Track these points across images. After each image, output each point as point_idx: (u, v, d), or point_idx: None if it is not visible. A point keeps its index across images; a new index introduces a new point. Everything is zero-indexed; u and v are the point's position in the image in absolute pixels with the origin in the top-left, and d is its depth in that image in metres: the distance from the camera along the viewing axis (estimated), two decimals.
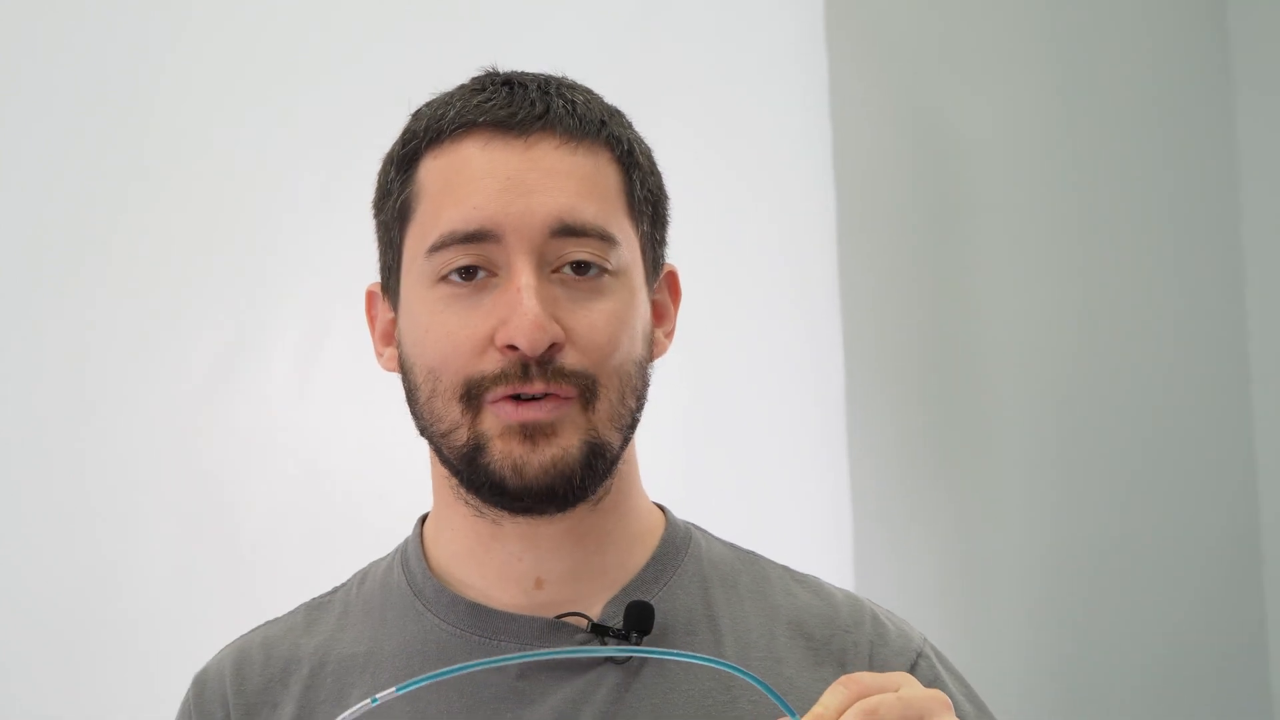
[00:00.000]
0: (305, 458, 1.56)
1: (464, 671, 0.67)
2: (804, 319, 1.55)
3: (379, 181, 0.77)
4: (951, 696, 0.74)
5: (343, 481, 1.56)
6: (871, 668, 0.77)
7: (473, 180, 0.70)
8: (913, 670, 0.77)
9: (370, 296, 0.78)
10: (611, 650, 0.70)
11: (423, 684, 0.62)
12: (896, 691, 0.61)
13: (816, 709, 0.61)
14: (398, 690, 0.63)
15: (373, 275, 0.78)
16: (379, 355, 0.78)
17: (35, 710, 1.47)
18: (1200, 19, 2.09)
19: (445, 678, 0.66)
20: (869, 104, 1.63)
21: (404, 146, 0.74)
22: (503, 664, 0.71)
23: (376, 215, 0.77)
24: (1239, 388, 2.03)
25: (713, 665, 0.73)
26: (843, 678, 0.63)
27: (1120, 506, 1.85)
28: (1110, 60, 1.92)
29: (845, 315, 1.54)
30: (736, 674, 0.70)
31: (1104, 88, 1.91)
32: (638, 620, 0.72)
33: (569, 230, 0.69)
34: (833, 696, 0.61)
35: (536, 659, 0.70)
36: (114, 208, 1.59)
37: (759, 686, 0.64)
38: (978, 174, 1.77)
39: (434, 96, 0.75)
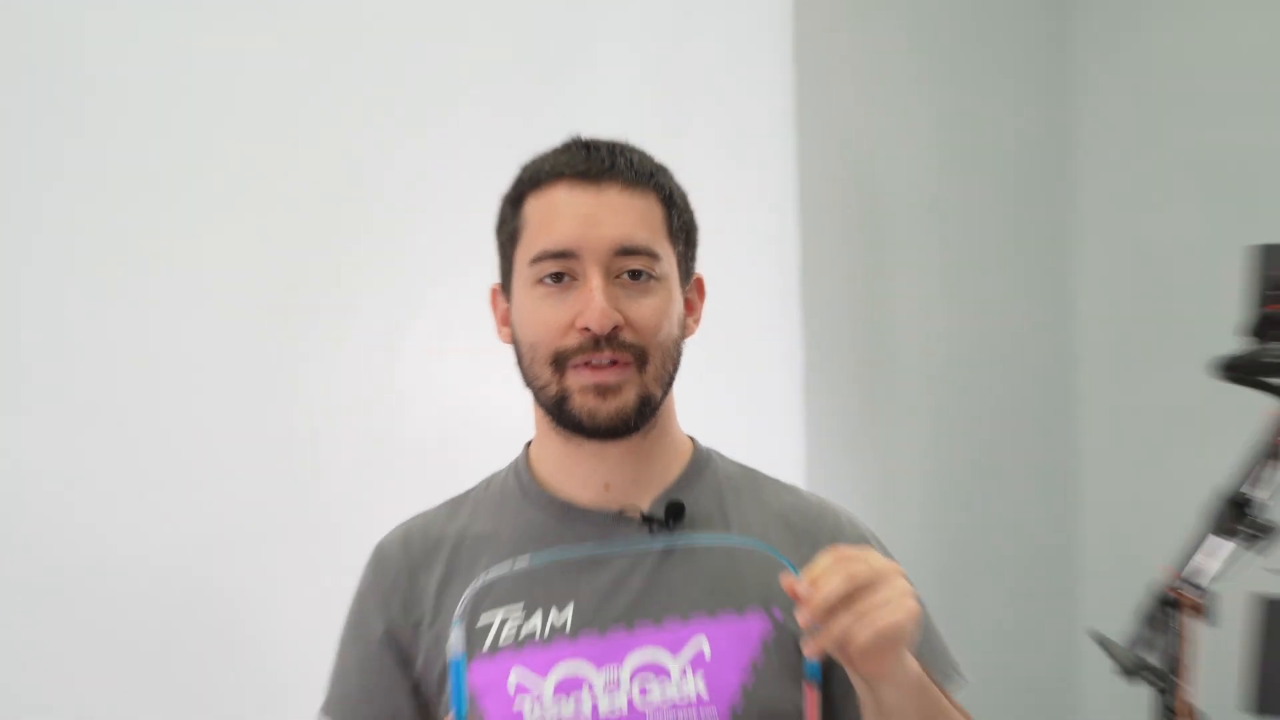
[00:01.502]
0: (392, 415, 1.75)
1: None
2: (777, 318, 2.15)
3: (499, 214, 1.05)
4: None
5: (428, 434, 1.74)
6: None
7: (561, 215, 0.98)
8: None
9: (493, 292, 1.07)
10: (676, 539, 0.99)
11: (548, 561, 0.95)
12: (864, 559, 0.84)
13: (811, 568, 0.84)
14: (532, 561, 0.93)
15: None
16: (499, 332, 1.06)
17: (136, 664, 1.58)
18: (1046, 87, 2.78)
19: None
20: (826, 159, 2.25)
21: (514, 190, 1.03)
22: (599, 553, 0.99)
23: (497, 237, 1.05)
24: (1067, 367, 2.77)
25: (739, 544, 1.01)
26: (829, 547, 0.86)
27: (982, 441, 2.56)
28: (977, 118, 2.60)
29: (805, 309, 2.17)
30: (752, 546, 1.00)
31: (976, 139, 2.60)
32: (674, 513, 1.00)
33: (627, 250, 0.97)
34: (822, 559, 0.84)
35: (627, 550, 1.00)
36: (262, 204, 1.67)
37: (770, 552, 0.91)
38: (895, 194, 2.43)
39: (536, 156, 1.02)
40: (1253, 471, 1.50)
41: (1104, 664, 1.61)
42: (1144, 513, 2.56)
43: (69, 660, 1.54)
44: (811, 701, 0.89)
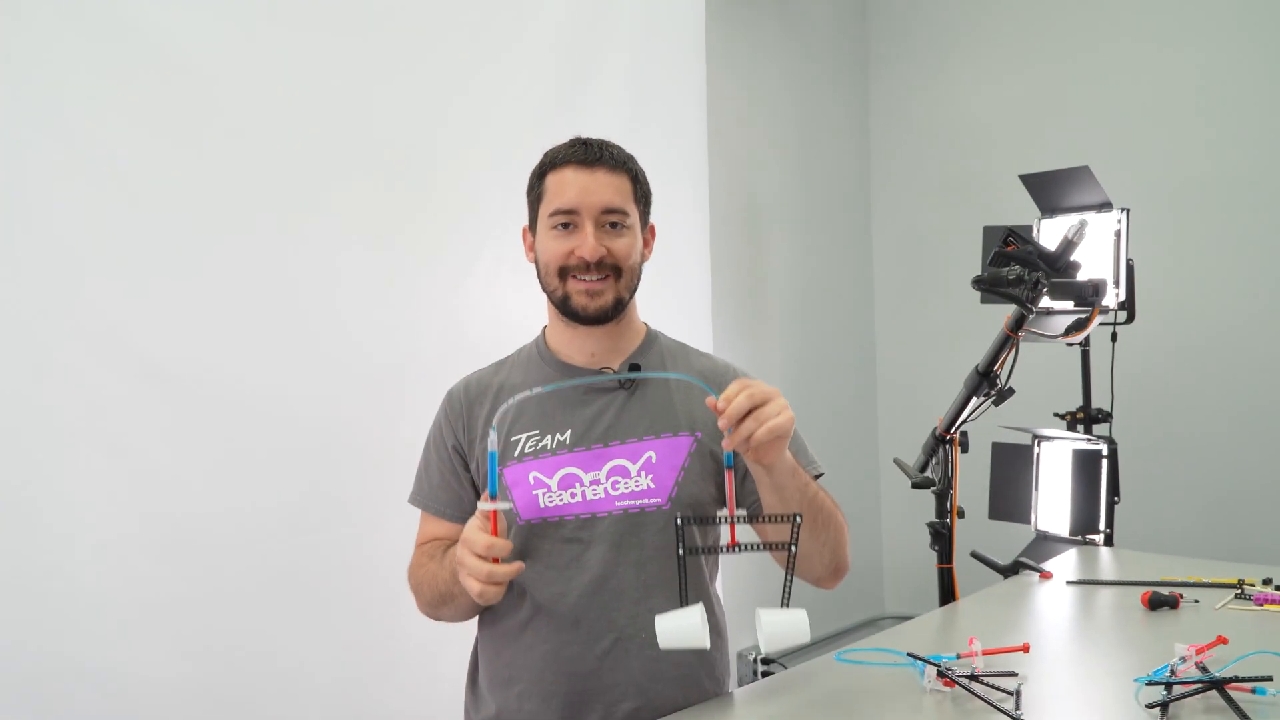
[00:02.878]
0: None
1: (567, 386, 1.51)
2: (695, 265, 3.32)
3: (529, 182, 1.56)
4: None
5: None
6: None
7: (569, 187, 1.49)
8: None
9: (524, 231, 1.60)
10: (622, 376, 1.50)
11: (551, 389, 1.43)
12: (760, 385, 1.25)
13: (725, 392, 1.24)
14: (545, 389, 1.41)
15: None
16: (526, 255, 1.58)
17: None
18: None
19: (560, 388, 1.50)
20: (727, 174, 3.74)
21: (540, 169, 1.54)
22: (582, 383, 1.51)
23: (528, 196, 1.57)
24: (867, 300, 4.56)
25: (674, 377, 1.50)
26: (738, 380, 1.27)
27: (816, 339, 4.20)
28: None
29: (713, 260, 3.40)
30: (685, 379, 1.48)
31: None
32: (633, 370, 1.54)
33: (609, 210, 1.49)
34: (732, 386, 1.25)
35: (596, 381, 1.48)
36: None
37: (696, 382, 1.32)
38: (767, 194, 3.90)
39: (554, 146, 1.54)
40: (997, 355, 2.03)
41: (901, 481, 2.30)
42: (923, 388, 3.96)
43: None
44: (729, 479, 1.31)
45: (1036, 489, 2.89)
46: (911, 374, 4.30)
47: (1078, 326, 2.06)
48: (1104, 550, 2.45)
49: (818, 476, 1.55)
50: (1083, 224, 1.80)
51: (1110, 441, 2.76)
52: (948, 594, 2.14)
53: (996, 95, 4.11)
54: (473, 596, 1.30)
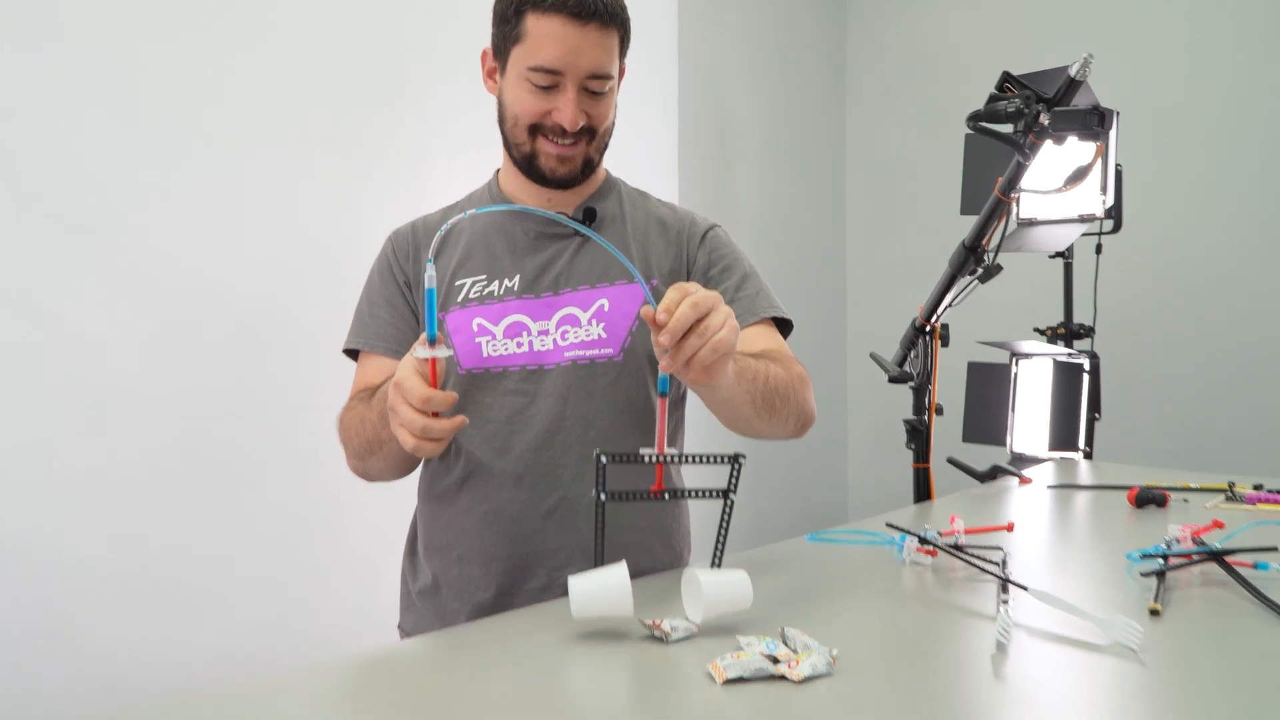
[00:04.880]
0: None
1: (510, 210, 1.41)
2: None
3: (503, 10, 1.36)
4: (731, 249, 1.46)
5: None
6: (690, 238, 1.46)
7: (556, 41, 1.32)
8: (706, 234, 1.47)
9: (484, 54, 1.42)
10: (575, 225, 1.31)
11: (493, 210, 1.31)
12: (700, 290, 1.06)
13: (665, 302, 1.04)
14: (478, 210, 1.29)
15: None
16: (485, 83, 1.43)
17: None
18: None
19: (503, 210, 1.39)
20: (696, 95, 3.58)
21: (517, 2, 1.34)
22: (528, 212, 1.38)
23: (499, 25, 1.37)
24: (839, 227, 4.40)
25: (616, 254, 1.15)
26: (676, 284, 1.07)
27: (785, 266, 3.87)
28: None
29: (681, 195, 3.30)
30: (632, 272, 1.15)
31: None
32: (588, 214, 1.45)
33: (595, 76, 1.35)
34: (671, 293, 1.05)
35: (549, 216, 1.20)
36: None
37: (634, 274, 1.13)
38: (738, 117, 3.70)
39: None
40: (986, 226, 1.91)
41: (873, 377, 2.20)
42: (893, 319, 3.55)
43: None
44: (662, 410, 1.10)
45: (1013, 410, 2.83)
46: (882, 299, 4.27)
47: (1078, 175, 1.96)
48: (1084, 462, 2.39)
49: (785, 326, 1.47)
50: (1088, 58, 1.68)
51: (1093, 356, 2.69)
52: (923, 496, 2.06)
53: (975, 20, 4.04)
54: (407, 450, 1.17)
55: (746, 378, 1.26)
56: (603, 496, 1.03)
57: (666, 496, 1.11)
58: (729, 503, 1.07)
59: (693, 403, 1.46)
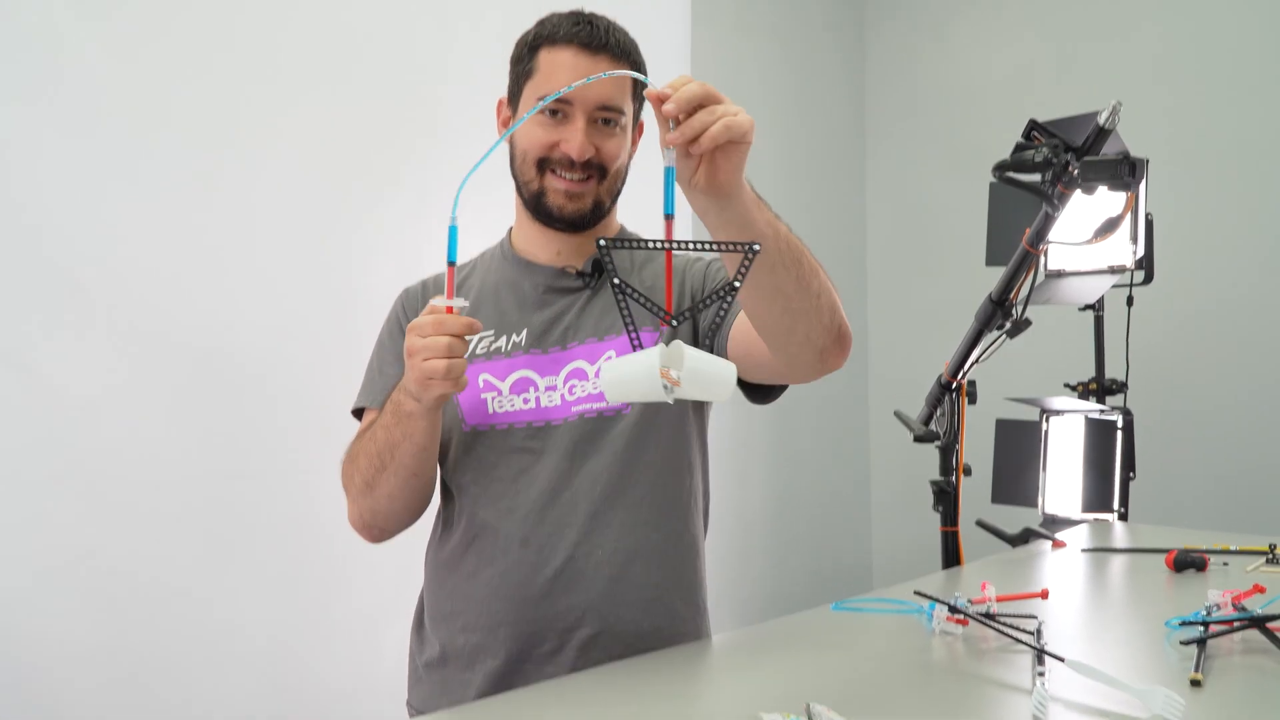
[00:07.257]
0: None
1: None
2: None
3: (516, 49, 1.41)
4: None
5: None
6: (694, 272, 1.45)
7: (567, 71, 1.34)
8: (711, 263, 1.46)
9: (500, 103, 1.46)
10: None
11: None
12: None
13: (672, 81, 1.00)
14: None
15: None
16: (498, 131, 1.44)
17: None
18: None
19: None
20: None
21: (534, 39, 1.38)
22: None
23: (515, 66, 1.42)
24: (860, 268, 4.25)
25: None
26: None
27: None
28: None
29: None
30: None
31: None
32: (597, 268, 1.45)
33: (605, 107, 1.36)
34: (680, 77, 1.00)
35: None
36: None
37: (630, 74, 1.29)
38: (756, 157, 3.55)
39: (550, 14, 1.38)
40: (1013, 278, 1.89)
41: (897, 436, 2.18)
42: (916, 365, 3.46)
43: None
44: (669, 229, 1.00)
45: (1044, 469, 2.80)
46: (906, 354, 4.24)
47: (1109, 227, 1.95)
48: (1119, 524, 2.36)
49: None
50: (1117, 105, 1.68)
51: (1125, 413, 2.67)
52: (952, 561, 2.04)
53: (999, 57, 4.06)
54: (430, 394, 1.18)
55: (767, 214, 1.13)
56: (615, 280, 0.95)
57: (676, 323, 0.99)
58: (734, 288, 0.98)
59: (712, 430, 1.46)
